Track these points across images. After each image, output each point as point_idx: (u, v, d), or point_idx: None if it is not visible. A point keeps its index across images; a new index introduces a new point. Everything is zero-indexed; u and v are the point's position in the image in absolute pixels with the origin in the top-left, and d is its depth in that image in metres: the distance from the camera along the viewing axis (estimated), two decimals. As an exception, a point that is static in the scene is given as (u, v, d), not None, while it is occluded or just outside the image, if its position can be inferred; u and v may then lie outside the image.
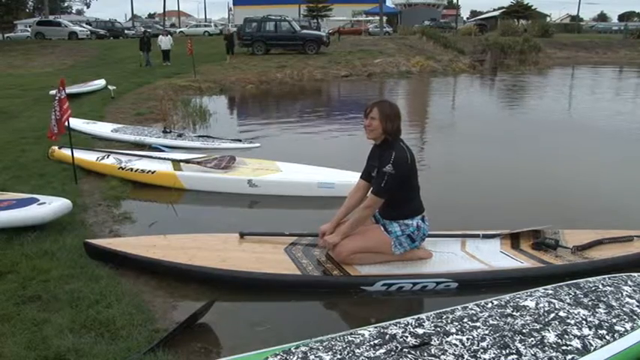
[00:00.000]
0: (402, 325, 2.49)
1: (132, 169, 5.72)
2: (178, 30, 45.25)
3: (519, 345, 2.32)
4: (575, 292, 2.79)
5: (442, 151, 7.90)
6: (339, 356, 2.25)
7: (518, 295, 2.79)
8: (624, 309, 2.62)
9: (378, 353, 2.26)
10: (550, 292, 2.81)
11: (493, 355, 2.26)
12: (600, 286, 2.85)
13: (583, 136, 8.93)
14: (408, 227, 3.45)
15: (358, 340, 2.36)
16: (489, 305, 2.68)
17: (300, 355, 2.25)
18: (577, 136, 8.95)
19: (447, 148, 8.22)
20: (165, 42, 20.32)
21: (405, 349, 2.29)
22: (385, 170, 3.28)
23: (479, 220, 4.47)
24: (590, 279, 2.95)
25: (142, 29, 28.49)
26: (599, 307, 2.63)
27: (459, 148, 8.06)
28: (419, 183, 3.51)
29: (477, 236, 3.87)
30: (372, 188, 3.45)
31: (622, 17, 72.01)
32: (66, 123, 5.18)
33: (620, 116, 11.16)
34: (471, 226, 4.06)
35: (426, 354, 2.26)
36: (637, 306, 2.65)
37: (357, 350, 2.29)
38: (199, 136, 8.21)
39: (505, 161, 7.07)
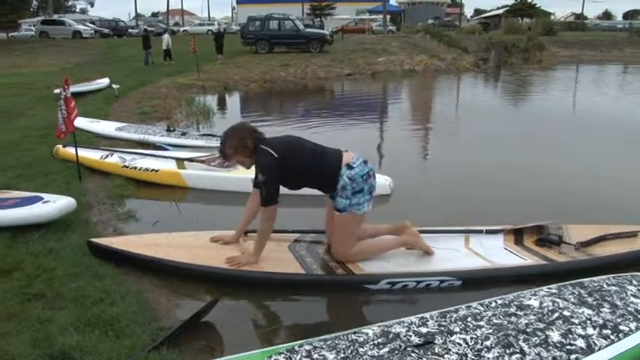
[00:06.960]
0: (406, 324, 2.49)
1: (136, 168, 5.73)
2: (182, 29, 45.30)
3: (523, 344, 2.32)
4: (579, 292, 2.78)
5: (446, 148, 7.88)
6: (342, 355, 2.25)
7: (522, 294, 2.78)
8: (629, 308, 2.61)
9: (381, 352, 2.26)
10: (554, 291, 2.80)
11: (497, 354, 2.26)
12: (605, 286, 2.84)
13: (586, 133, 8.89)
14: (345, 190, 3.27)
15: (362, 339, 2.36)
16: (493, 304, 2.68)
17: (303, 354, 2.25)
18: (580, 133, 8.92)
19: (450, 145, 8.19)
20: (165, 40, 20.35)
21: (408, 348, 2.28)
22: (259, 180, 3.24)
23: (482, 216, 4.45)
24: (594, 278, 2.94)
25: (143, 28, 28.50)
26: (604, 307, 2.62)
27: (462, 145, 8.03)
28: (319, 143, 3.51)
29: (480, 232, 3.86)
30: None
31: (626, 15, 71.66)
32: (75, 121, 5.19)
33: (624, 112, 11.11)
34: (474, 222, 4.06)
35: (429, 353, 2.26)
36: (642, 305, 2.64)
37: (360, 349, 2.29)
38: (203, 135, 8.20)
39: (508, 157, 7.05)
